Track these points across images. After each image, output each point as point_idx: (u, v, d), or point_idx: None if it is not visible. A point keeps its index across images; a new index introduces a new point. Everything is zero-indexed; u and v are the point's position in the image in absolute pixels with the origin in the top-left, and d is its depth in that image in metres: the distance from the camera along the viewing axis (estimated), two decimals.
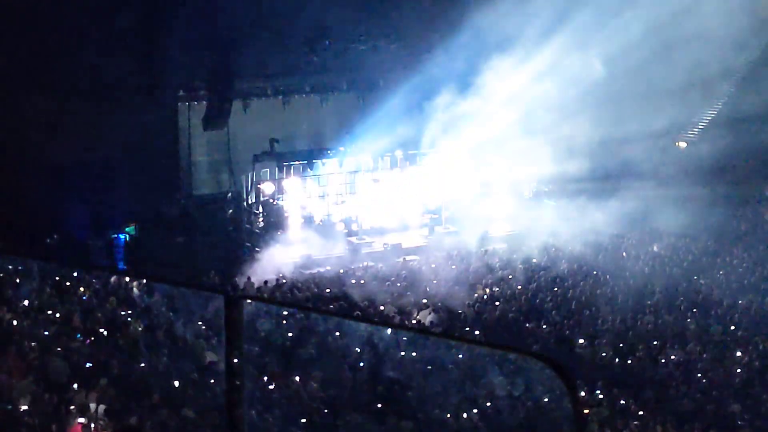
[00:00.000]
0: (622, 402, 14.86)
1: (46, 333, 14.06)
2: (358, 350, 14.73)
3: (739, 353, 17.12)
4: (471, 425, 12.38)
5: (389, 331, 15.31)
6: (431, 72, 28.00)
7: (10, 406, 10.99)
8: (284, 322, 15.66)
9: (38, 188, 23.39)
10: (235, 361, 3.26)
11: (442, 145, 29.10)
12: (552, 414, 11.71)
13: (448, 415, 12.86)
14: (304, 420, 11.62)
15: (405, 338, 14.67)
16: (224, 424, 3.53)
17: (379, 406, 12.68)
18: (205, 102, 28.28)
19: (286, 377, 13.01)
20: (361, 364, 14.20)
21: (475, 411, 12.69)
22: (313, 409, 11.99)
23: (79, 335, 14.07)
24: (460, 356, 14.16)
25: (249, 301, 3.26)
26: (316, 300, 20.64)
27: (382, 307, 19.88)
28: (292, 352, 14.56)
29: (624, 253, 25.01)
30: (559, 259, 24.60)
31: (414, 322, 19.59)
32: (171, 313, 15.04)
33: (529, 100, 27.99)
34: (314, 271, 24.51)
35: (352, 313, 18.93)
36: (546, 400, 12.08)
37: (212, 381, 12.17)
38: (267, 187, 27.18)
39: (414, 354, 14.75)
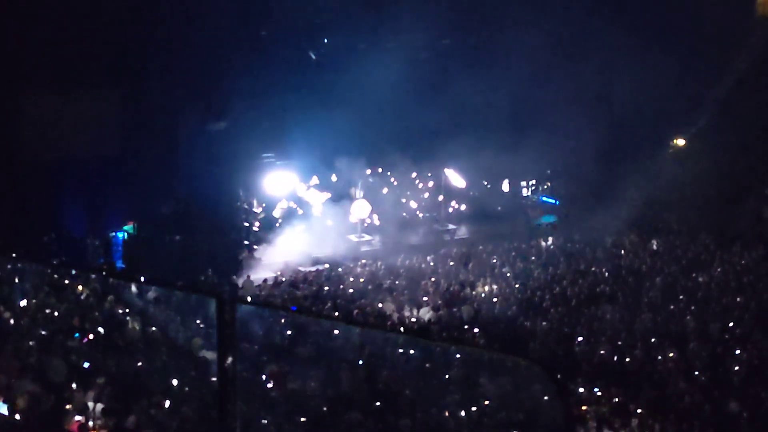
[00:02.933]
0: (621, 400, 14.86)
1: (44, 332, 14.05)
2: (355, 350, 14.72)
3: (737, 351, 17.11)
4: (466, 426, 12.38)
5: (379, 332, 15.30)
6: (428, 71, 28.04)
7: (7, 406, 10.97)
8: (281, 320, 15.65)
9: (36, 187, 23.37)
10: (228, 362, 3.24)
11: (442, 144, 29.11)
12: (543, 417, 11.70)
13: (446, 413, 12.85)
14: (302, 419, 11.61)
15: (403, 337, 14.67)
16: (217, 423, 3.52)
17: (377, 404, 12.67)
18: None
19: (283, 377, 13.00)
20: (360, 362, 14.19)
21: (467, 413, 12.69)
22: (311, 408, 11.98)
23: (76, 334, 14.06)
24: (457, 356, 14.16)
25: (241, 303, 3.24)
26: (315, 298, 20.64)
27: (380, 305, 19.88)
28: (289, 352, 14.56)
29: (623, 251, 25.01)
30: (558, 257, 24.62)
31: (413, 320, 19.61)
32: (167, 314, 15.04)
33: (529, 100, 28.05)
34: (313, 269, 24.54)
35: (351, 311, 18.91)
36: (537, 403, 12.05)
37: (208, 380, 12.16)
38: (266, 186, 27.19)
39: (412, 352, 14.75)
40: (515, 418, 12.63)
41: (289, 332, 15.31)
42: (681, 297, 20.70)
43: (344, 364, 13.78)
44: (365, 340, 14.37)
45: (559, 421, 2.64)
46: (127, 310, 15.50)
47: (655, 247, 25.45)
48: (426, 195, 30.04)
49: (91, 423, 11.12)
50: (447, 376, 13.81)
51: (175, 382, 12.01)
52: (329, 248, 26.24)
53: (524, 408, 12.45)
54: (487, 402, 12.94)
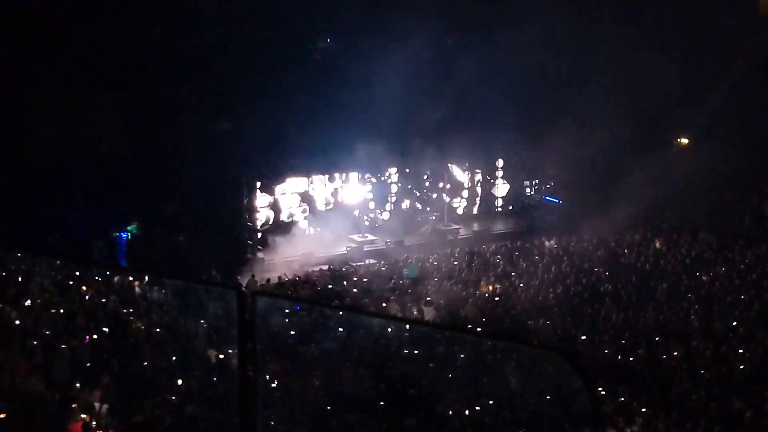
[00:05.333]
0: (625, 398, 14.87)
1: (48, 332, 14.05)
2: (365, 346, 14.74)
3: (741, 350, 17.12)
4: (485, 419, 12.39)
5: (392, 327, 15.25)
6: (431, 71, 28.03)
7: (14, 404, 11.00)
8: (286, 320, 15.66)
9: (40, 188, 23.37)
10: (248, 356, 3.26)
11: (443, 144, 29.11)
12: (566, 407, 11.70)
13: (450, 412, 12.85)
14: (309, 416, 11.63)
15: (407, 334, 14.68)
16: (236, 418, 3.53)
17: (382, 403, 12.68)
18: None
19: (292, 373, 13.01)
20: (365, 361, 14.20)
21: (485, 404, 12.69)
22: (318, 405, 12.00)
23: (81, 333, 14.07)
24: (463, 354, 14.16)
25: (261, 296, 3.25)
26: (318, 298, 20.60)
27: (384, 305, 19.87)
28: (297, 349, 14.56)
29: (626, 250, 24.98)
30: (560, 256, 24.59)
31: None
32: (185, 309, 15.03)
33: (529, 98, 28.06)
34: (316, 268, 24.50)
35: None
36: (561, 393, 12.05)
37: (222, 377, 12.17)
38: (268, 187, 27.16)
39: (416, 352, 14.75)
40: (540, 408, 12.65)
41: (312, 325, 15.30)
42: (685, 295, 20.71)
43: (373, 357, 13.81)
44: (390, 334, 14.39)
45: (584, 412, 2.65)
46: (146, 305, 15.51)
47: (658, 245, 25.43)
48: (429, 194, 30.01)
49: (94, 423, 11.14)
50: (477, 367, 13.81)
51: (195, 376, 12.03)
52: (333, 248, 26.22)
53: (549, 399, 12.46)
54: (513, 392, 12.96)
